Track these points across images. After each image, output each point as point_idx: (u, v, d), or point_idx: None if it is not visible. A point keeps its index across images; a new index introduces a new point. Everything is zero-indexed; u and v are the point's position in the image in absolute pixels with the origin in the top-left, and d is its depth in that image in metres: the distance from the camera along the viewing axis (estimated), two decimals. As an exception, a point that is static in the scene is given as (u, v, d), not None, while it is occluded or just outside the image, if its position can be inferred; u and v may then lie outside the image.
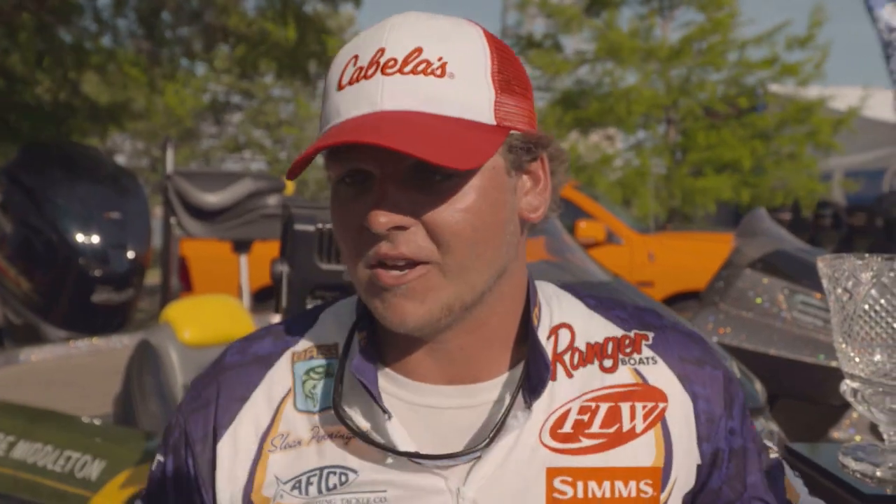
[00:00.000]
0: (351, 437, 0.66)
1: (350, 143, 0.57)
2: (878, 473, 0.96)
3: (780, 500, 0.74)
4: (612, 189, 10.46)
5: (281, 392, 0.69)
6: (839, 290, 0.97)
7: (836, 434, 2.67)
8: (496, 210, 0.63)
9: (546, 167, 0.68)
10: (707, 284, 3.22)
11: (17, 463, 1.94)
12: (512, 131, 0.63)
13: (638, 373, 0.69)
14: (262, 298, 5.07)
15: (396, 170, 0.60)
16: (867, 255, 0.95)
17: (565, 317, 0.72)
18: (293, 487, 0.65)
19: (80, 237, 4.07)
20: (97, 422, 2.12)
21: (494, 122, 0.62)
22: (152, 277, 6.39)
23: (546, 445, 0.65)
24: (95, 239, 4.09)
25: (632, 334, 0.71)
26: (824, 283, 1.00)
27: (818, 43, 10.63)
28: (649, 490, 0.65)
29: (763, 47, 10.78)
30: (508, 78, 0.63)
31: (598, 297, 0.76)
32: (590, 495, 0.64)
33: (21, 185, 4.22)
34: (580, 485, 0.64)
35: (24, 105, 6.79)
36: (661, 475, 0.66)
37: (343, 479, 0.65)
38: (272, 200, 3.77)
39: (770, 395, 2.32)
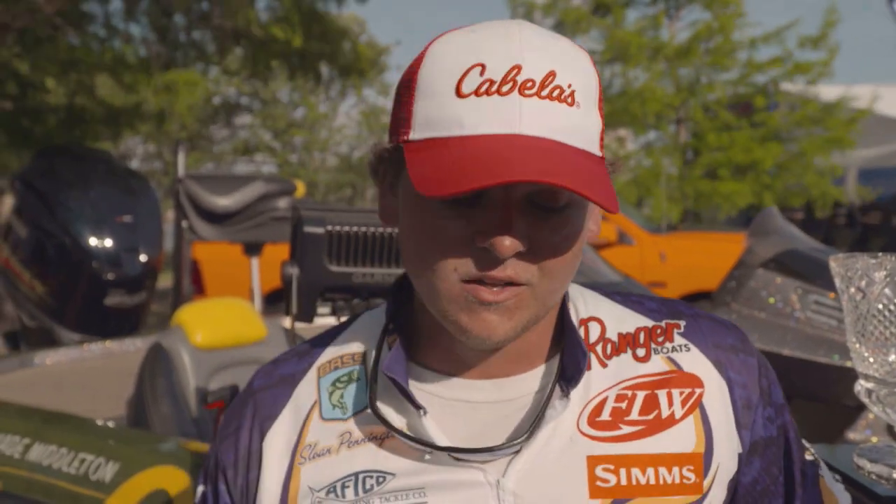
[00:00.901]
0: (385, 438, 0.66)
1: (527, 181, 0.54)
2: (895, 475, 0.95)
3: (812, 500, 0.74)
4: (624, 189, 10.42)
5: (307, 405, 0.70)
6: (852, 290, 0.96)
7: (851, 435, 2.64)
8: (584, 238, 0.64)
9: None
10: (719, 284, 3.20)
11: (31, 465, 1.96)
12: (605, 159, 0.64)
13: (672, 360, 0.69)
14: (274, 301, 5.10)
15: (518, 194, 0.59)
16: (881, 253, 0.94)
17: (593, 311, 0.72)
18: (329, 493, 0.65)
19: (92, 241, 4.10)
20: (110, 424, 2.13)
21: (600, 154, 0.63)
22: (164, 281, 6.43)
23: (585, 434, 0.65)
24: (108, 242, 4.12)
25: (663, 324, 0.71)
26: (837, 282, 0.99)
27: (831, 42, 10.55)
28: (692, 476, 0.65)
29: (772, 45, 10.71)
30: (602, 104, 0.64)
31: (624, 293, 0.76)
32: (633, 482, 0.64)
33: (35, 189, 4.27)
34: (623, 472, 0.64)
35: (36, 109, 6.86)
36: (703, 461, 0.66)
37: (380, 480, 0.65)
38: (283, 203, 3.78)
39: (784, 396, 2.30)
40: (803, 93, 10.77)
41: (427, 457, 0.64)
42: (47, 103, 7.04)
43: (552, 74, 0.58)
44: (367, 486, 0.64)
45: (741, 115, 10.75)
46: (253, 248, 3.82)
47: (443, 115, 0.59)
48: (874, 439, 2.62)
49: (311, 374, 0.71)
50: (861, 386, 0.99)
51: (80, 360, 2.94)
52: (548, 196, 0.60)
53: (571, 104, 0.59)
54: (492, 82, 0.58)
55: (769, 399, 0.71)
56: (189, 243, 3.87)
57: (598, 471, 0.64)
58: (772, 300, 2.84)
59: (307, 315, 1.58)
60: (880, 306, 0.93)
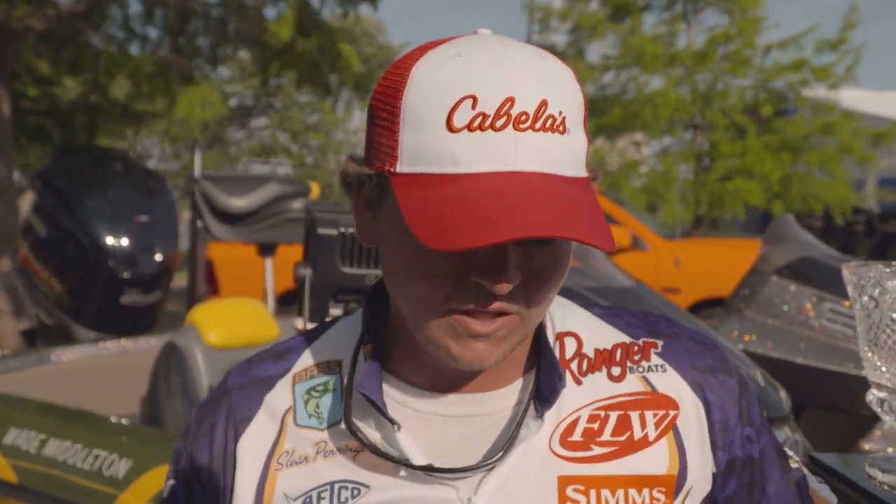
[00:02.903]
0: (360, 450, 0.66)
1: (534, 237, 0.54)
2: (905, 485, 0.94)
3: None
4: (638, 195, 10.37)
5: (282, 410, 0.69)
6: (865, 298, 0.96)
7: (866, 445, 2.61)
8: (569, 260, 0.64)
9: None
10: (733, 291, 3.18)
11: (47, 460, 1.99)
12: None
13: (647, 381, 0.69)
14: (287, 302, 5.11)
15: None
16: (894, 262, 0.94)
17: (570, 325, 0.71)
18: (304, 502, 0.65)
19: (109, 240, 4.15)
20: (124, 421, 2.16)
21: (586, 175, 0.62)
22: (179, 280, 6.48)
23: (556, 454, 0.65)
24: (125, 242, 4.17)
25: (640, 342, 0.70)
26: (850, 290, 0.98)
27: (851, 45, 10.38)
28: (662, 497, 0.65)
29: (790, 51, 10.58)
30: (585, 118, 0.63)
31: (605, 306, 0.75)
32: (603, 503, 0.64)
33: (54, 188, 4.33)
34: (593, 493, 0.64)
35: (55, 109, 6.94)
36: (676, 483, 0.66)
37: (355, 492, 0.65)
38: (297, 204, 3.80)
39: (796, 405, 2.28)
40: (825, 99, 10.62)
41: (401, 473, 0.64)
42: (66, 102, 7.13)
43: (544, 104, 0.57)
44: (343, 499, 0.65)
45: (756, 122, 10.65)
46: (267, 249, 3.84)
47: (434, 149, 0.57)
48: (890, 450, 2.58)
49: (287, 379, 0.70)
50: (873, 395, 0.99)
51: (95, 357, 2.98)
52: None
53: (563, 132, 0.58)
54: (485, 116, 0.56)
55: (749, 420, 0.71)
56: (204, 243, 3.89)
57: (569, 491, 0.64)
58: (786, 308, 2.81)
59: (320, 316, 1.60)
60: (894, 315, 0.92)
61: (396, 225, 0.60)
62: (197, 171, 3.95)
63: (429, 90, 0.57)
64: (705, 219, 10.94)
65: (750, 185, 10.01)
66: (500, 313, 0.59)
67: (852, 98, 10.79)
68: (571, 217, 0.56)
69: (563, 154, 0.58)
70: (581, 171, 0.61)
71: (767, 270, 2.92)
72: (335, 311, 1.62)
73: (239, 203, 3.71)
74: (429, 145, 0.57)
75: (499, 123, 0.56)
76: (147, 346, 2.98)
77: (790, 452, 0.78)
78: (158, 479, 1.76)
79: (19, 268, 4.44)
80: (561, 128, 0.58)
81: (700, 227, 10.62)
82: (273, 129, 18.41)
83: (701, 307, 5.58)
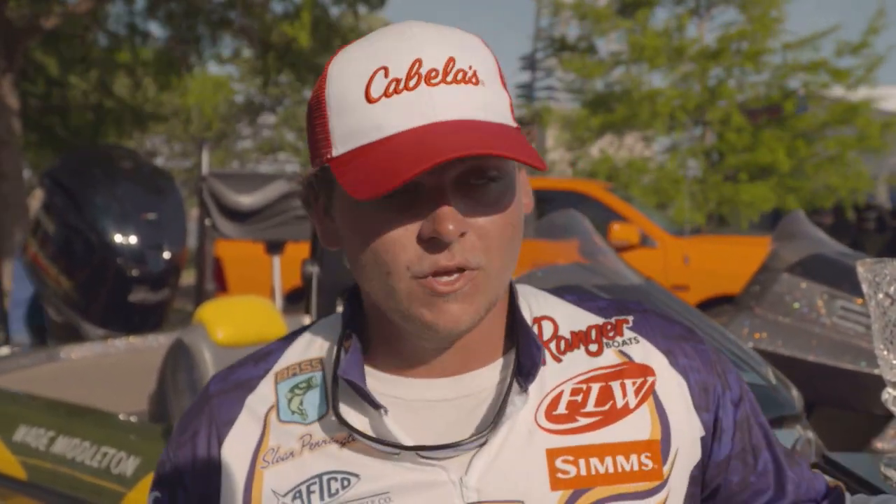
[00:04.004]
0: (346, 441, 0.66)
1: (460, 156, 0.57)
2: (922, 486, 0.93)
3: (801, 474, 0.75)
4: (646, 192, 10.32)
5: (264, 409, 0.70)
6: (880, 296, 0.94)
7: (879, 444, 2.59)
8: (521, 209, 0.66)
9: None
10: (743, 288, 3.15)
11: (56, 457, 1.99)
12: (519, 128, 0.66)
13: (623, 353, 0.71)
14: (295, 299, 5.12)
15: (449, 178, 0.61)
16: (910, 259, 0.92)
17: (545, 311, 0.73)
18: (294, 498, 0.65)
19: (118, 238, 4.16)
20: (133, 419, 2.16)
21: (514, 125, 0.65)
22: (187, 278, 6.50)
23: (543, 428, 0.66)
24: (133, 239, 4.18)
25: (612, 320, 0.73)
26: (864, 287, 0.97)
27: (874, 50, 10.22)
28: (650, 463, 0.66)
29: (806, 50, 10.45)
30: (504, 79, 0.66)
31: (577, 293, 0.77)
32: (592, 472, 0.65)
33: (63, 186, 4.34)
34: (582, 462, 0.65)
35: (63, 108, 6.98)
36: (661, 447, 0.67)
37: (345, 483, 0.65)
38: (305, 202, 3.80)
39: (808, 403, 2.26)
40: (840, 97, 10.50)
41: (390, 458, 0.65)
42: (74, 101, 7.17)
43: (451, 60, 0.61)
44: (333, 490, 0.65)
45: (770, 119, 10.56)
46: (275, 247, 3.84)
47: (359, 124, 0.61)
48: (902, 449, 2.56)
49: (269, 379, 0.71)
50: (889, 394, 0.97)
51: (104, 354, 2.99)
52: (477, 173, 0.61)
53: (477, 83, 0.61)
54: (398, 80, 0.60)
55: (727, 383, 0.72)
56: (212, 241, 3.90)
57: (558, 463, 0.65)
58: (797, 305, 2.79)
59: (327, 314, 1.59)
60: (909, 313, 0.90)
61: (346, 206, 0.64)
62: (205, 168, 3.96)
63: (345, 76, 0.62)
64: (715, 216, 10.87)
65: (762, 191, 9.93)
66: (462, 269, 0.61)
67: (868, 96, 10.68)
68: (494, 141, 0.59)
69: (482, 102, 0.61)
70: (507, 121, 0.64)
71: (778, 267, 2.90)
72: (342, 308, 1.61)
73: (247, 200, 3.72)
74: (355, 122, 0.61)
75: (412, 83, 0.60)
76: (155, 343, 2.99)
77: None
78: (166, 476, 1.76)
79: (28, 265, 4.46)
80: (474, 79, 0.61)
81: (709, 224, 10.56)
82: (279, 127, 18.44)
83: (710, 304, 5.55)
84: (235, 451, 0.68)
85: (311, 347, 0.73)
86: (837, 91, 10.58)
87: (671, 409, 0.69)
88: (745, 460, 0.72)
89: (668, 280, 5.59)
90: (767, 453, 0.74)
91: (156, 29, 6.35)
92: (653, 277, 2.91)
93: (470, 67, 0.61)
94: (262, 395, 0.70)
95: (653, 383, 0.69)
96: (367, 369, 0.69)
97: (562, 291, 0.77)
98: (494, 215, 0.62)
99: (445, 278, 0.61)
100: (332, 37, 6.25)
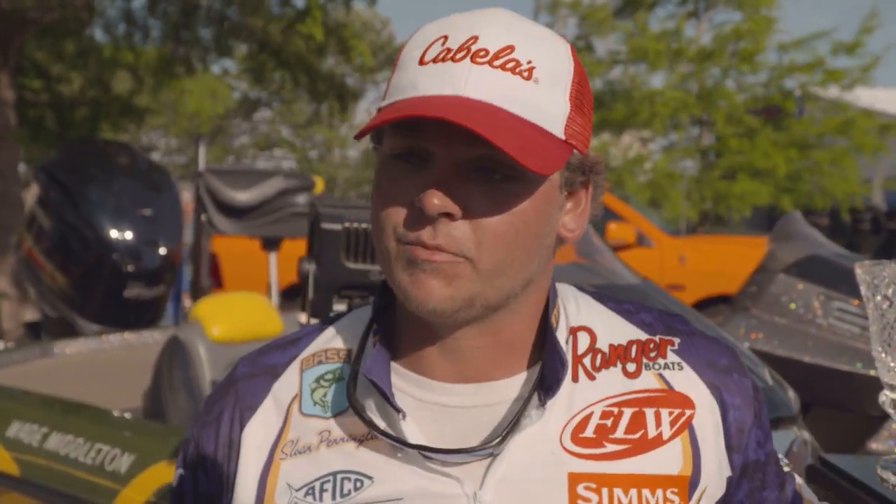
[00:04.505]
0: (363, 440, 0.65)
1: (434, 117, 0.57)
2: (920, 489, 0.93)
3: None
4: (642, 191, 10.33)
5: (288, 398, 0.69)
6: (878, 298, 0.94)
7: (873, 445, 2.60)
8: (541, 221, 0.63)
9: (590, 192, 0.68)
10: (739, 289, 3.16)
11: (50, 454, 1.98)
12: (574, 150, 0.64)
13: (663, 378, 0.67)
14: (291, 296, 5.11)
15: (459, 156, 0.60)
16: (909, 261, 0.92)
17: (584, 320, 0.70)
18: (307, 494, 0.65)
19: (113, 233, 4.15)
20: (127, 416, 2.15)
21: (563, 138, 0.62)
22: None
23: (567, 450, 0.64)
24: (128, 235, 4.16)
25: (657, 339, 0.69)
26: (863, 289, 0.96)
27: (868, 50, 10.26)
28: (675, 499, 0.64)
29: (803, 51, 10.47)
30: (582, 99, 0.64)
31: (620, 300, 0.74)
32: (615, 503, 0.62)
33: (58, 182, 4.32)
34: (605, 491, 0.62)
35: (59, 103, 6.94)
36: (689, 484, 0.65)
37: (358, 484, 0.64)
38: (301, 199, 3.79)
39: (804, 404, 2.27)
40: (836, 99, 10.52)
41: (405, 464, 0.64)
42: (69, 97, 7.13)
43: (510, 48, 0.60)
44: (345, 491, 0.64)
45: (767, 120, 10.57)
46: (271, 243, 3.83)
47: (404, 80, 0.62)
48: (897, 450, 2.57)
49: (295, 367, 0.70)
50: (886, 396, 0.97)
51: (99, 350, 2.97)
52: (491, 163, 0.60)
53: (527, 78, 0.60)
54: (449, 50, 0.61)
55: (760, 422, 0.70)
56: (208, 237, 3.89)
57: (580, 489, 0.62)
58: (793, 306, 2.79)
59: (323, 311, 1.58)
60: (908, 315, 0.90)
61: (377, 158, 0.65)
62: (201, 164, 3.94)
63: (417, 38, 0.64)
64: (710, 215, 10.89)
65: (757, 187, 9.96)
66: (444, 252, 0.60)
67: (865, 97, 10.70)
68: (496, 128, 0.58)
69: (521, 96, 0.60)
70: (551, 128, 0.62)
71: (775, 268, 2.90)
72: (339, 306, 1.61)
73: (243, 197, 3.71)
74: (403, 79, 0.63)
75: (459, 56, 0.60)
76: (150, 339, 2.98)
77: (781, 457, 0.77)
78: (161, 474, 1.75)
79: (23, 260, 4.44)
80: (525, 73, 0.60)
81: (705, 223, 10.57)
82: (274, 122, 18.39)
83: (705, 304, 5.56)
84: (256, 438, 0.68)
85: (340, 337, 0.72)
86: (833, 92, 10.59)
87: (705, 447, 0.66)
88: (754, 497, 0.70)
89: (664, 280, 5.60)
90: (772, 493, 0.72)
91: (155, 28, 6.30)
92: (649, 277, 2.91)
93: (529, 62, 0.60)
94: (288, 383, 0.70)
95: (691, 416, 0.66)
96: (392, 364, 0.68)
97: (607, 295, 0.74)
98: (498, 213, 0.60)
99: (429, 249, 0.60)
100: (333, 35, 6.23)
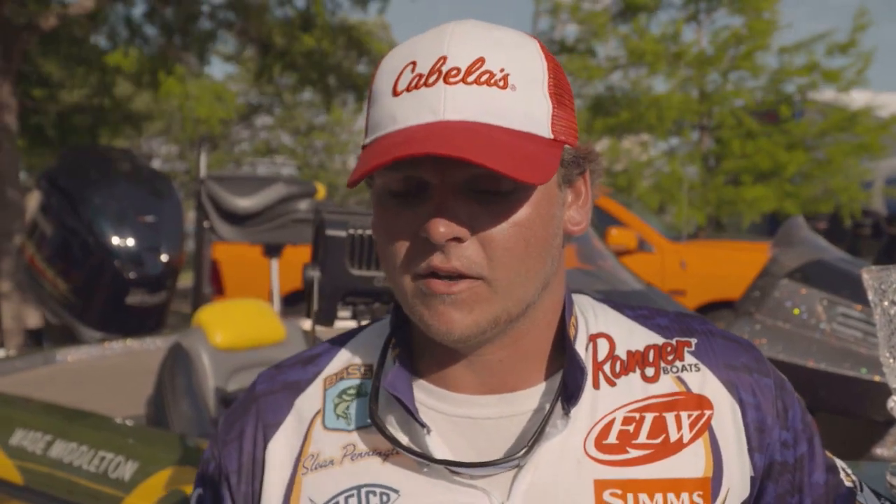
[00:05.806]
0: (388, 454, 0.65)
1: (424, 154, 0.56)
2: (930, 496, 0.92)
3: None
4: (646, 195, 10.34)
5: (310, 414, 0.69)
6: (886, 303, 0.94)
7: (879, 451, 2.59)
8: (547, 225, 0.63)
9: (588, 181, 0.68)
10: (742, 294, 3.15)
11: (53, 461, 1.98)
12: (565, 145, 0.63)
13: (681, 381, 0.68)
14: (293, 302, 5.11)
15: (455, 180, 0.60)
16: (916, 266, 0.91)
17: (602, 327, 0.70)
18: None
19: (115, 240, 4.15)
20: (130, 423, 2.15)
21: (552, 136, 0.62)
22: (184, 280, 6.48)
23: (592, 457, 0.64)
24: (130, 242, 4.17)
25: (673, 342, 0.69)
26: (870, 295, 0.96)
27: (861, 49, 10.31)
28: (700, 501, 0.64)
29: (801, 54, 10.51)
30: (561, 91, 0.64)
31: (636, 307, 0.74)
32: None
33: (60, 188, 4.33)
34: (630, 497, 0.63)
35: (59, 111, 6.96)
36: (711, 486, 0.65)
37: (384, 498, 0.64)
38: (303, 205, 3.80)
39: (808, 409, 2.26)
40: (834, 101, 10.55)
41: (430, 476, 0.63)
42: (69, 105, 7.15)
43: (480, 61, 0.59)
44: None
45: (767, 123, 10.60)
46: (273, 250, 3.83)
47: (382, 115, 0.62)
48: (903, 455, 2.56)
49: (318, 384, 0.70)
50: (894, 402, 0.96)
51: (101, 357, 2.97)
52: (489, 181, 0.59)
53: (504, 87, 0.60)
54: (421, 76, 0.60)
55: (786, 422, 0.69)
56: (210, 244, 3.89)
57: (606, 495, 0.63)
58: (797, 311, 2.79)
59: (328, 318, 1.58)
60: (916, 321, 0.90)
61: (373, 197, 0.65)
62: (203, 171, 3.95)
63: (385, 69, 0.63)
64: (714, 220, 10.89)
65: (763, 191, 9.96)
66: (462, 276, 0.60)
67: (861, 99, 10.73)
68: (486, 147, 0.57)
69: (502, 107, 0.60)
70: (537, 130, 0.61)
71: (778, 273, 2.90)
72: (344, 313, 1.60)
73: (245, 203, 3.71)
74: (380, 113, 0.62)
75: (431, 80, 0.59)
76: (153, 346, 2.97)
77: (842, 465, 0.75)
78: (164, 481, 1.75)
79: (25, 267, 4.44)
80: (501, 82, 0.60)
81: (707, 228, 10.57)
82: (276, 128, 18.40)
83: (707, 309, 5.56)
84: (279, 454, 0.67)
85: (361, 352, 0.72)
86: (829, 94, 10.63)
87: (725, 447, 0.66)
88: (785, 501, 0.69)
89: (666, 285, 5.59)
90: (817, 478, 0.71)
91: (153, 34, 6.32)
92: (650, 282, 2.91)
93: (501, 70, 0.60)
94: (310, 399, 0.69)
95: (709, 417, 0.66)
96: (414, 379, 0.68)
97: (622, 303, 0.74)
98: (504, 226, 0.60)
99: (444, 280, 0.60)
100: (343, 34, 6.25)
